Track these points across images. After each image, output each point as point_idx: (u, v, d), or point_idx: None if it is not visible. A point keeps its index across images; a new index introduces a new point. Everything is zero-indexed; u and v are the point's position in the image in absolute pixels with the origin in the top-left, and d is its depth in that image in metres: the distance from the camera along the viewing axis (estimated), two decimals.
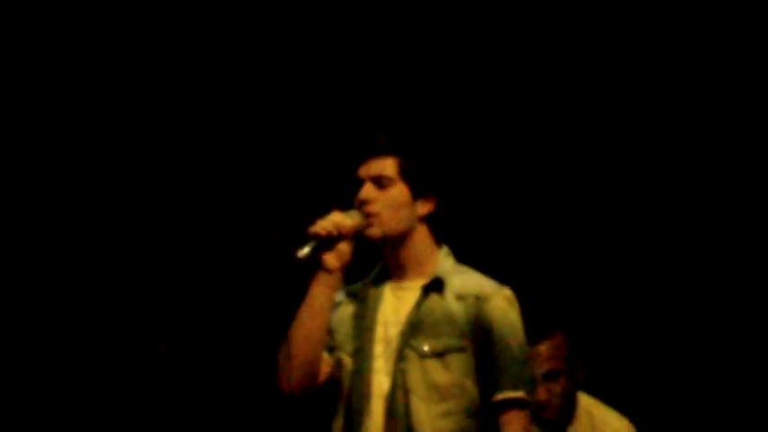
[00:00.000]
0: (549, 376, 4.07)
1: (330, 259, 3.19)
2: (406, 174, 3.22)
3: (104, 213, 5.28)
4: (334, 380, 3.25)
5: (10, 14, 5.18)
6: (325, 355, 3.25)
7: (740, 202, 5.18)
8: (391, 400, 3.15)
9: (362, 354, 3.21)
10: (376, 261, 3.33)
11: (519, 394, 3.15)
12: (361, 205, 3.22)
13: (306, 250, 3.16)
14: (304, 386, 3.21)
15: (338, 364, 3.24)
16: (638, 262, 5.25)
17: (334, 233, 3.17)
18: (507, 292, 3.22)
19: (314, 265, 3.19)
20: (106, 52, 5.26)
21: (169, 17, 5.28)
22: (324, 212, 3.21)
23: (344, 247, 3.20)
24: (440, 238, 3.30)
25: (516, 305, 3.22)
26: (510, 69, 5.27)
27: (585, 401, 4.21)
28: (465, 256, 3.35)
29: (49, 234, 5.24)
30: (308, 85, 5.32)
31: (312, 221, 3.20)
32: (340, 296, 3.30)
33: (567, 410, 4.16)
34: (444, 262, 3.26)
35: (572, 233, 5.26)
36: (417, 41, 5.25)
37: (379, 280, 3.30)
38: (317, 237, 3.17)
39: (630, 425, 4.21)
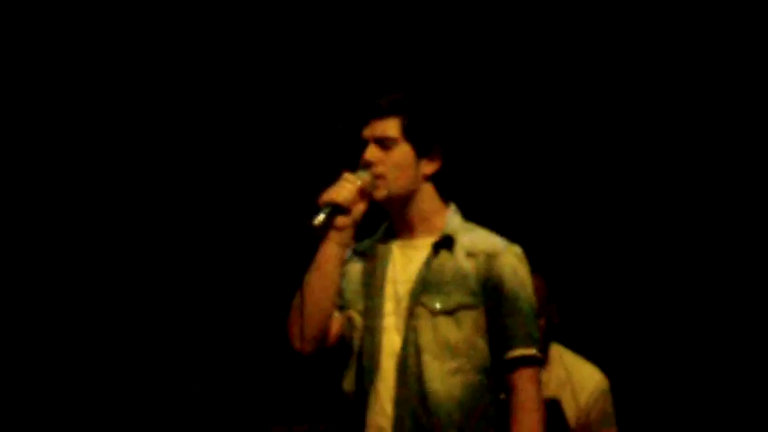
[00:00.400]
0: None
1: (342, 219, 3.18)
2: (409, 134, 3.20)
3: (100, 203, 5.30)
4: (345, 338, 3.25)
5: (10, 14, 5.16)
6: (336, 314, 3.25)
7: (718, 170, 5.21)
8: (403, 357, 3.15)
9: (373, 312, 3.21)
10: (383, 217, 3.33)
11: (531, 351, 3.16)
12: (366, 166, 3.20)
13: (321, 217, 3.15)
14: (316, 344, 3.21)
15: (348, 322, 3.24)
16: (620, 221, 5.31)
17: (353, 203, 3.16)
18: (517, 249, 3.23)
19: (327, 228, 3.18)
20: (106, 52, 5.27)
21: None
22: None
23: (358, 209, 3.20)
24: (446, 195, 3.29)
25: (526, 262, 3.23)
26: (512, 31, 5.26)
27: (558, 350, 4.25)
28: (470, 213, 3.35)
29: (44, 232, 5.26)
30: (314, 42, 5.32)
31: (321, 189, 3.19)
32: (348, 253, 3.29)
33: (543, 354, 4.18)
34: (452, 220, 3.25)
35: (567, 194, 5.29)
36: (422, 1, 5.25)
37: (387, 238, 3.29)
38: (334, 204, 3.16)
39: (603, 376, 4.25)
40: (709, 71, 5.18)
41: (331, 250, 3.19)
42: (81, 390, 5.22)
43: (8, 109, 5.21)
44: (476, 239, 3.21)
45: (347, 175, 3.19)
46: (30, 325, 5.19)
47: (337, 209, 3.16)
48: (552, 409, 4.06)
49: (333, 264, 3.19)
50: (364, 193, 3.18)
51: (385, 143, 3.20)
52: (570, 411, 4.17)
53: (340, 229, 3.18)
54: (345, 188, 3.16)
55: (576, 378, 4.21)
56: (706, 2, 5.14)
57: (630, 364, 5.10)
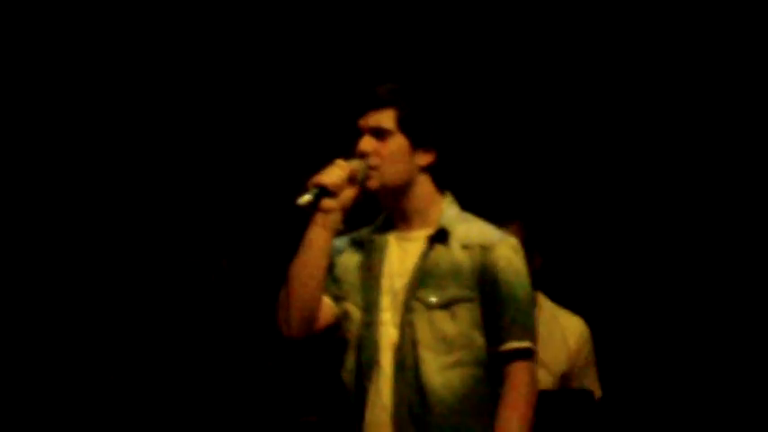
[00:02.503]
0: None
1: (328, 202, 3.16)
2: (404, 125, 3.19)
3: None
4: (341, 330, 3.24)
5: (10, 14, 5.16)
6: (329, 301, 3.23)
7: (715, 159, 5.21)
8: (400, 351, 3.15)
9: (370, 306, 3.20)
10: (380, 208, 3.31)
11: (525, 344, 3.14)
12: (360, 156, 3.20)
13: (307, 198, 3.14)
14: (304, 329, 3.18)
15: (345, 315, 3.23)
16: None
17: (340, 187, 3.15)
18: (512, 240, 3.21)
19: (313, 209, 3.17)
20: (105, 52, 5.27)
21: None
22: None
23: (346, 194, 3.17)
24: (444, 185, 3.27)
25: (521, 254, 3.21)
26: (507, 22, 5.26)
27: (541, 296, 4.38)
28: (469, 202, 3.34)
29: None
30: (313, 33, 5.32)
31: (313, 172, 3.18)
32: (343, 243, 3.29)
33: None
34: (448, 211, 3.24)
35: (565, 180, 5.30)
36: None
37: (384, 229, 3.28)
38: (321, 186, 3.14)
39: (584, 322, 4.40)
40: (708, 71, 5.17)
41: (316, 233, 3.16)
42: (82, 389, 5.23)
43: (8, 109, 5.20)
44: (471, 231, 3.20)
45: (338, 161, 3.18)
46: (29, 325, 5.20)
47: (324, 191, 3.14)
48: (584, 398, 4.11)
49: (318, 247, 3.16)
50: (354, 180, 3.17)
51: (380, 134, 3.19)
52: (562, 354, 4.31)
53: (326, 211, 3.15)
54: (334, 172, 3.14)
55: (564, 323, 4.36)
56: (706, 2, 5.12)
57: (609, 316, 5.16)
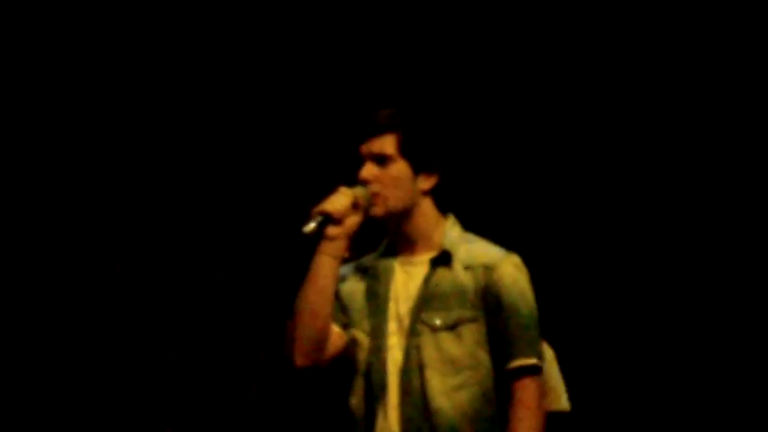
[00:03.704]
0: None
1: (333, 229, 3.18)
2: (405, 150, 3.21)
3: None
4: (349, 356, 3.26)
5: (10, 14, 5.19)
6: (337, 329, 3.25)
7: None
8: (406, 375, 3.16)
9: (377, 332, 3.21)
10: (384, 233, 3.34)
11: (531, 361, 3.16)
12: (363, 183, 3.22)
13: (312, 226, 3.16)
14: (313, 358, 3.21)
15: (353, 342, 3.25)
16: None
17: (345, 215, 3.17)
18: (515, 258, 3.23)
19: (319, 237, 3.19)
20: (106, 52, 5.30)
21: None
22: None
23: (351, 220, 3.20)
24: (446, 206, 3.30)
25: (525, 271, 3.23)
26: (508, 41, 5.28)
27: None
28: (473, 223, 3.37)
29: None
30: (312, 57, 5.35)
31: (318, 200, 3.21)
32: (348, 270, 3.31)
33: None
34: (450, 232, 3.26)
35: (566, 199, 5.32)
36: (419, 13, 5.27)
37: (388, 255, 3.30)
38: (325, 214, 3.17)
39: (547, 344, 4.32)
40: (708, 71, 5.19)
41: (322, 261, 3.18)
42: (81, 389, 5.25)
43: (8, 109, 5.23)
44: (473, 252, 3.22)
45: (342, 189, 3.20)
46: (28, 326, 5.22)
47: (328, 219, 3.17)
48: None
49: (324, 274, 3.18)
50: (358, 207, 3.19)
51: (381, 160, 3.21)
52: None
53: (331, 239, 3.18)
54: (338, 200, 3.17)
55: None
56: (706, 2, 5.16)
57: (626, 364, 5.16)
